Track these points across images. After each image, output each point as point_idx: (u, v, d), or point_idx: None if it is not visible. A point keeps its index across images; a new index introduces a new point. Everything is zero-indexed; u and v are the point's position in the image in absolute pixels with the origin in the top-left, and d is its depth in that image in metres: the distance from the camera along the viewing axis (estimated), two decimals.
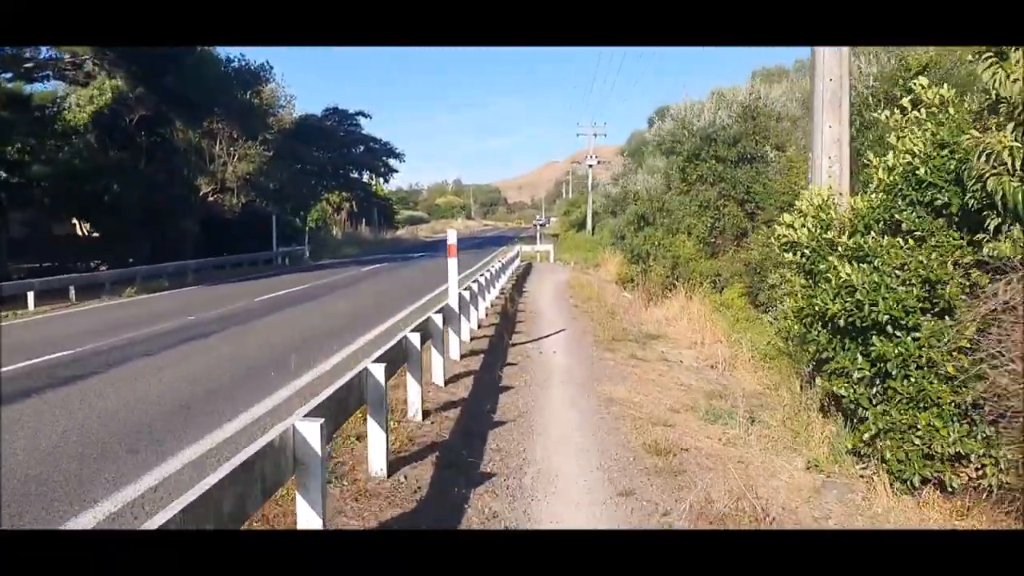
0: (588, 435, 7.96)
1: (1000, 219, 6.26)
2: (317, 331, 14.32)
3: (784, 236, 8.89)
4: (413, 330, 8.29)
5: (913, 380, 6.49)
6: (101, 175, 27.52)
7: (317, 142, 53.26)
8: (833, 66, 9.12)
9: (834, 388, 7.35)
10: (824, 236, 8.34)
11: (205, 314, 16.52)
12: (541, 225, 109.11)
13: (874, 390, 6.92)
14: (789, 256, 8.84)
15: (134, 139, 34.74)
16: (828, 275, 7.50)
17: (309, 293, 21.30)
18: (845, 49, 9.26)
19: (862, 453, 7.11)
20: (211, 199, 33.60)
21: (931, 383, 6.40)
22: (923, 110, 7.80)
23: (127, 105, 33.65)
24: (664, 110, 51.92)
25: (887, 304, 6.62)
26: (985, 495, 6.17)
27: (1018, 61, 6.07)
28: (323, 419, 4.15)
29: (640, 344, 14.78)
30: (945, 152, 7.08)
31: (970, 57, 7.36)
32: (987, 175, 6.06)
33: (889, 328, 6.67)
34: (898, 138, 7.79)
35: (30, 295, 19.15)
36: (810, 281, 8.35)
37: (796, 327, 8.34)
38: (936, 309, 6.68)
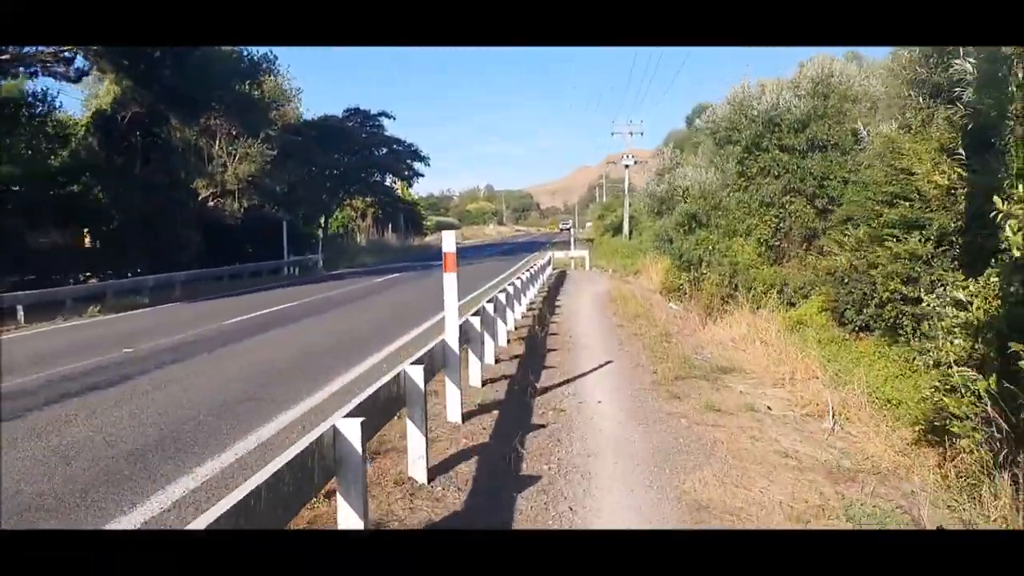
0: None
1: None
2: (270, 374, 10.82)
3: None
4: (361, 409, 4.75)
5: None
6: (76, 176, 24.46)
7: (337, 145, 50.21)
8: None
9: None
10: None
11: (152, 343, 13.16)
12: (566, 229, 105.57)
13: None
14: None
15: (128, 139, 31.82)
16: None
17: (297, 313, 17.89)
18: None
19: None
20: (211, 204, 30.43)
21: None
22: None
23: (119, 102, 30.75)
24: (704, 107, 48.15)
25: None
26: None
27: None
28: None
29: (711, 382, 11.12)
30: None
31: None
32: None
33: None
34: None
35: None
36: None
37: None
38: None
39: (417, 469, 5.84)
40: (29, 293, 18.79)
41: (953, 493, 6.45)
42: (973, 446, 6.57)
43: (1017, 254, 5.95)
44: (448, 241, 7.43)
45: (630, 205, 54.38)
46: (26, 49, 28.33)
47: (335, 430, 3.99)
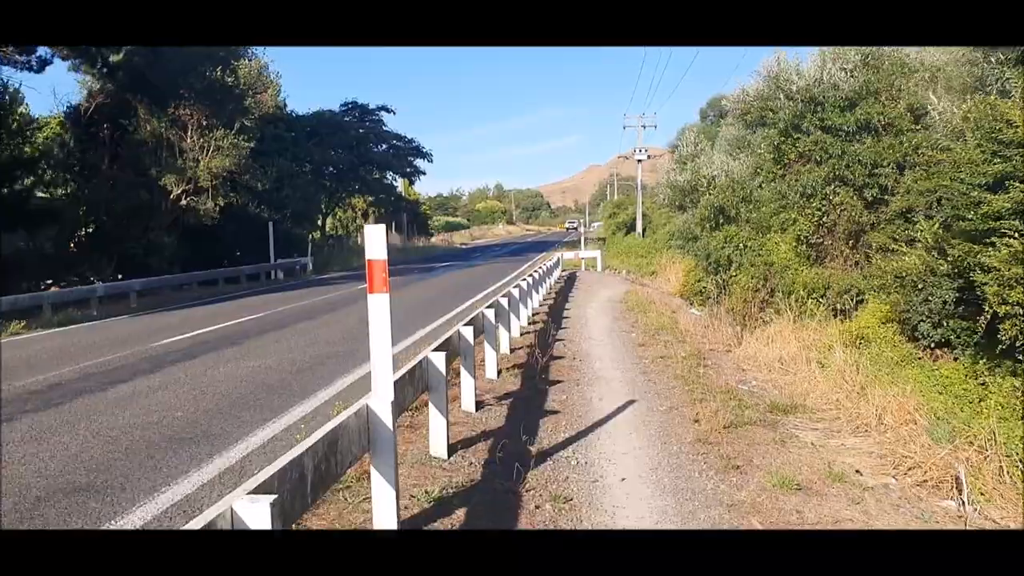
0: None
1: None
2: (127, 450, 7.89)
3: None
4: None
5: None
6: (35, 172, 21.69)
7: (333, 141, 47.37)
8: None
9: None
10: None
11: (22, 382, 10.17)
12: (574, 228, 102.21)
13: None
14: None
15: (95, 133, 29.04)
16: None
17: (251, 329, 14.90)
18: None
19: None
20: (183, 203, 27.59)
21: None
22: None
23: (88, 92, 28.01)
24: (721, 99, 45.03)
25: None
26: None
27: None
28: None
29: (771, 428, 8.16)
30: None
31: None
32: None
33: None
34: None
35: None
36: None
37: None
38: None
39: None
40: None
41: None
42: None
43: None
44: (374, 241, 4.47)
45: (643, 202, 51.33)
46: None
47: None
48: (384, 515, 4.42)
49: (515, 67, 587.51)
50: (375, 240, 4.47)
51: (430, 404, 6.19)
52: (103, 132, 28.97)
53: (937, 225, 13.53)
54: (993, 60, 14.88)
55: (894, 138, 18.42)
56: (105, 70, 25.61)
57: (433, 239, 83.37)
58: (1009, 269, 9.16)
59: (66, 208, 26.73)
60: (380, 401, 4.51)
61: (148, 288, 24.00)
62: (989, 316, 9.62)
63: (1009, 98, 12.06)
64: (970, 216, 10.75)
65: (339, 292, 23.07)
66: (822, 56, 19.86)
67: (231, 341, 13.06)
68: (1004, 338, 9.23)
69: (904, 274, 13.28)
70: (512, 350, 11.55)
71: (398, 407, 4.96)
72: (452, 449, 6.35)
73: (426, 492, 5.35)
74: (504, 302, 11.21)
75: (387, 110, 52.89)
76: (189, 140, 27.32)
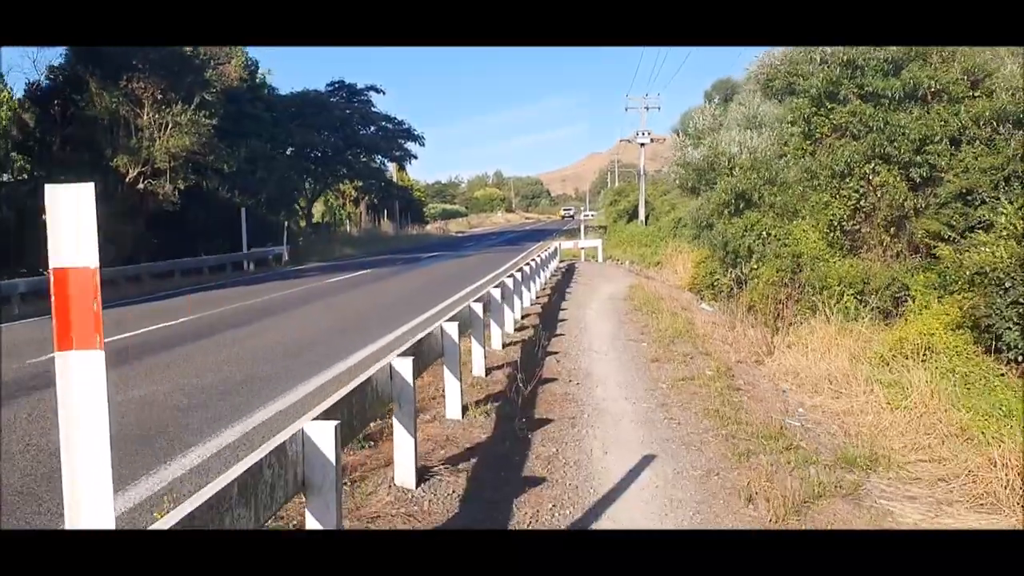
0: None
1: None
2: None
3: None
4: None
5: None
6: None
7: (318, 122, 44.54)
8: None
9: None
10: None
11: None
12: (570, 216, 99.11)
13: None
14: None
15: (46, 109, 26.31)
16: None
17: (171, 338, 12.17)
18: None
19: None
20: (140, 186, 24.86)
21: None
22: None
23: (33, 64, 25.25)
24: (726, 82, 42.18)
25: None
26: None
27: None
28: None
29: (855, 501, 5.58)
30: None
31: None
32: None
33: None
34: None
35: None
36: None
37: None
38: None
39: None
40: None
41: None
42: None
43: None
44: (64, 224, 1.80)
45: (644, 189, 48.65)
46: None
47: None
48: None
49: (515, 58, 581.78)
50: (66, 221, 1.81)
51: (307, 514, 3.53)
52: (54, 109, 26.26)
53: (1020, 207, 10.87)
54: None
55: (948, 107, 15.70)
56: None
57: (428, 227, 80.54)
58: None
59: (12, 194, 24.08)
60: None
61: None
62: None
63: None
64: None
65: (305, 287, 20.37)
66: None
67: (120, 359, 10.33)
68: None
69: (986, 269, 10.61)
70: (489, 371, 8.87)
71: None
72: None
73: None
74: (478, 308, 8.52)
75: (376, 90, 50.03)
76: (146, 117, 24.55)
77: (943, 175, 15.62)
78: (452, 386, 6.85)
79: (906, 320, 15.74)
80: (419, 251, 39.12)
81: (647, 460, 6.04)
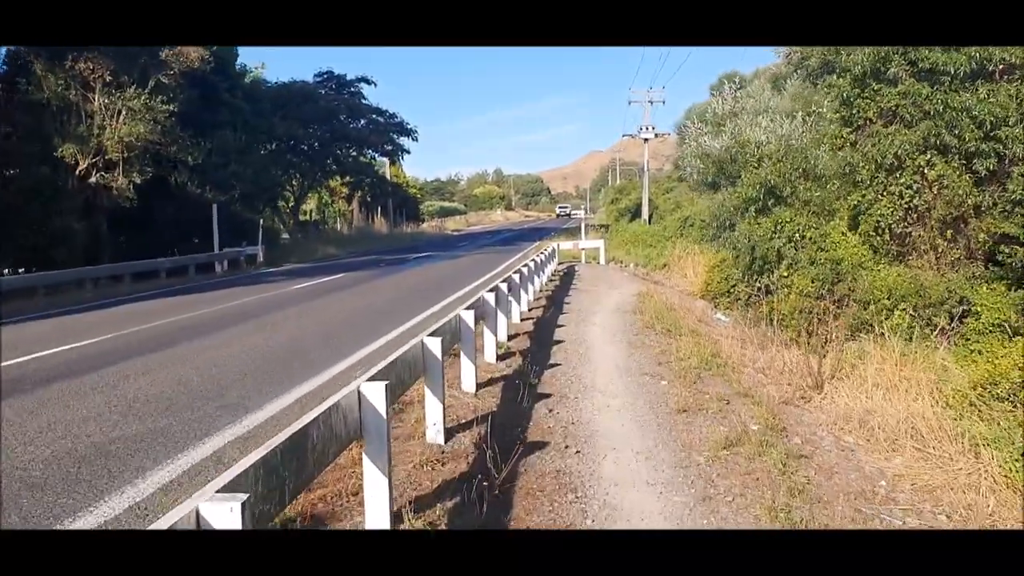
0: None
1: None
2: None
3: None
4: None
5: None
6: None
7: (301, 113, 41.91)
8: None
9: None
10: None
11: None
12: (565, 215, 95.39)
13: None
14: None
15: None
16: None
17: (71, 367, 9.63)
18: None
19: None
20: (92, 180, 22.29)
21: None
22: None
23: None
24: (733, 76, 39.57)
25: None
26: None
27: None
28: None
29: None
30: None
31: None
32: None
33: None
34: None
35: None
36: None
37: None
38: None
39: None
40: None
41: None
42: None
43: None
44: None
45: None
46: None
47: None
48: None
49: (516, 56, 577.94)
50: None
51: None
52: None
53: None
54: None
55: None
56: None
57: (424, 225, 77.93)
58: None
59: None
60: None
61: (27, 286, 18.75)
62: None
63: None
64: None
65: (263, 295, 17.76)
66: None
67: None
68: None
69: None
70: (450, 435, 6.27)
71: None
72: None
73: None
74: (434, 347, 5.96)
75: (367, 81, 47.40)
76: (96, 102, 21.94)
77: (1014, 168, 13.08)
78: (376, 492, 4.27)
79: (966, 339, 13.25)
80: (409, 251, 36.52)
81: None
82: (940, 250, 14.46)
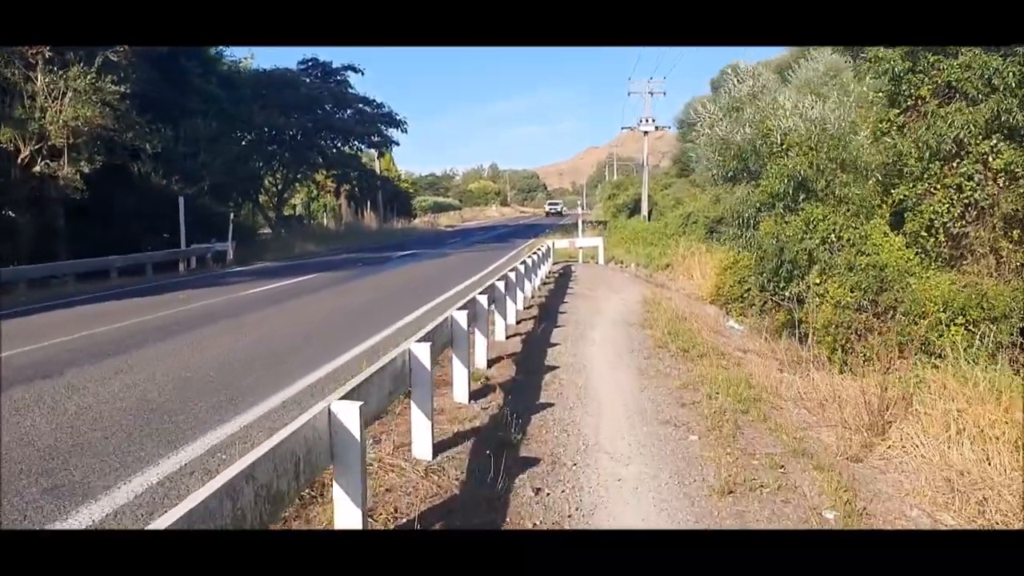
0: None
1: None
2: None
3: None
4: None
5: None
6: None
7: (282, 100, 39.55)
8: None
9: None
10: None
11: None
12: (556, 212, 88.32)
13: None
14: None
15: None
16: None
17: None
18: None
19: None
20: (37, 169, 19.98)
21: None
22: None
23: None
24: (736, 66, 37.28)
25: None
26: None
27: None
28: None
29: None
30: None
31: None
32: None
33: None
34: None
35: None
36: None
37: None
38: None
39: None
40: None
41: None
42: None
43: None
44: None
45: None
46: None
47: None
48: None
49: (513, 51, 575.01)
50: None
51: None
52: None
53: None
54: None
55: None
56: None
57: (416, 221, 75.42)
58: None
59: None
60: None
61: None
62: None
63: None
64: None
65: (212, 299, 15.38)
66: None
67: None
68: None
69: None
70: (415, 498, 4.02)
71: None
72: None
73: None
74: (350, 423, 3.69)
75: (354, 69, 45.00)
76: (39, 82, 19.62)
77: None
78: None
79: None
80: (396, 248, 34.17)
81: None
82: (1003, 254, 12.24)
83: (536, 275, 17.48)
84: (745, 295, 19.66)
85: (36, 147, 19.93)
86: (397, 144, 48.57)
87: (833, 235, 12.91)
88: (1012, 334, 11.82)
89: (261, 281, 19.29)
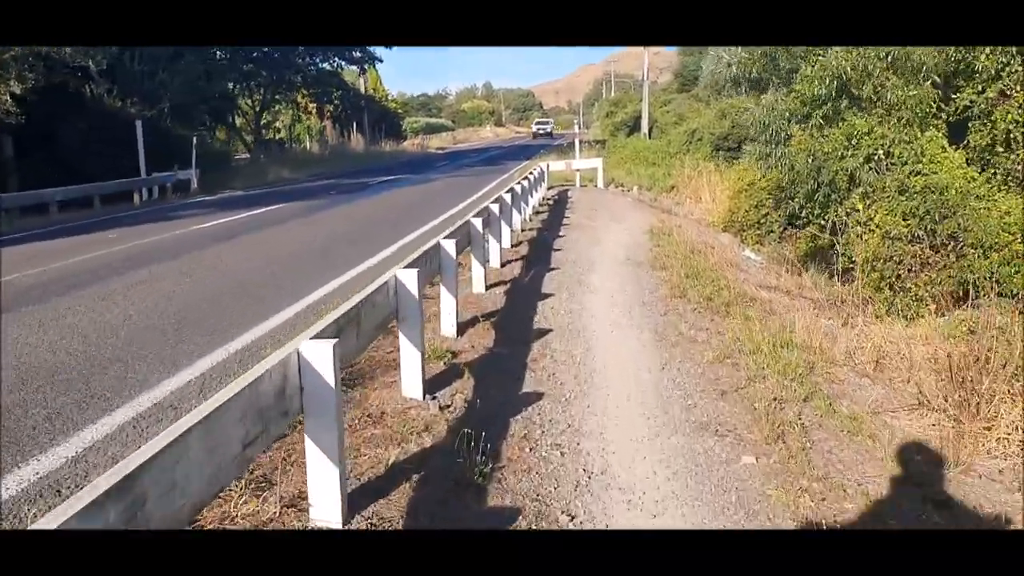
0: None
1: None
2: None
3: None
4: None
5: None
6: None
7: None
8: None
9: None
10: None
11: None
12: (545, 132, 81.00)
13: None
14: None
15: None
16: None
17: None
18: None
19: None
20: None
21: None
22: None
23: None
24: None
25: None
26: None
27: None
28: None
29: None
30: None
31: None
32: None
33: None
34: None
35: None
36: None
37: None
38: None
39: None
40: None
41: None
42: None
43: None
44: None
45: (647, 95, 41.35)
46: None
47: None
48: None
49: None
50: None
51: None
52: None
53: None
54: None
55: None
56: None
57: (405, 143, 72.45)
58: None
59: None
60: None
61: None
62: None
63: None
64: None
65: (163, 235, 13.26)
66: None
67: None
68: None
69: None
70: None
71: None
72: None
73: None
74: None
75: None
76: None
77: None
78: None
79: None
80: (377, 173, 31.72)
81: None
82: None
83: (528, 204, 15.28)
84: (762, 221, 17.55)
85: None
86: (380, 60, 45.57)
87: (881, 151, 10.67)
88: None
89: (219, 214, 17.07)
